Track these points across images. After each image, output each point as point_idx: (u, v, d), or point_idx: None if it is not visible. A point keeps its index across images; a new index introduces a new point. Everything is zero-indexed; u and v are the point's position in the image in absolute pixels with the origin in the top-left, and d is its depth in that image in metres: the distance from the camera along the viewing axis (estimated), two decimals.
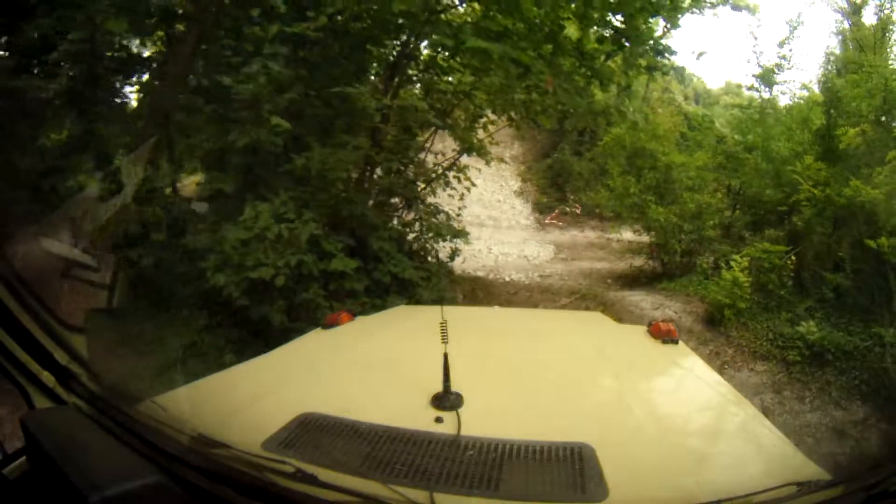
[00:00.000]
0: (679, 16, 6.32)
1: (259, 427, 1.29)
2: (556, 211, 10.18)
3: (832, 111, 6.59)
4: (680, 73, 9.24)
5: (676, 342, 2.14)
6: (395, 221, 5.53)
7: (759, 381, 4.21)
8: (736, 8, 10.48)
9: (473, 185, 6.33)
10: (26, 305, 1.31)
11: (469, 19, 5.74)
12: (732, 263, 5.66)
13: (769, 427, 1.42)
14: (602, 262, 7.93)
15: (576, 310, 5.61)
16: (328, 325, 2.39)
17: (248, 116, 4.67)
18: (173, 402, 1.44)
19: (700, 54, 10.96)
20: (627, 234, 8.12)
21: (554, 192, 10.23)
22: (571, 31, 5.66)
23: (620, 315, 5.18)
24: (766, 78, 8.07)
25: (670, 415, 1.48)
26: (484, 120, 6.48)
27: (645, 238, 7.75)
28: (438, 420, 1.32)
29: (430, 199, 5.90)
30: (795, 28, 7.93)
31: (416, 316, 2.87)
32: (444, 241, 5.55)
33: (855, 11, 8.43)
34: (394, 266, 4.78)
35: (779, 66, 8.06)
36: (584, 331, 2.57)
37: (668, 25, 6.07)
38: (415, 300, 4.77)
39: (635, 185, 7.49)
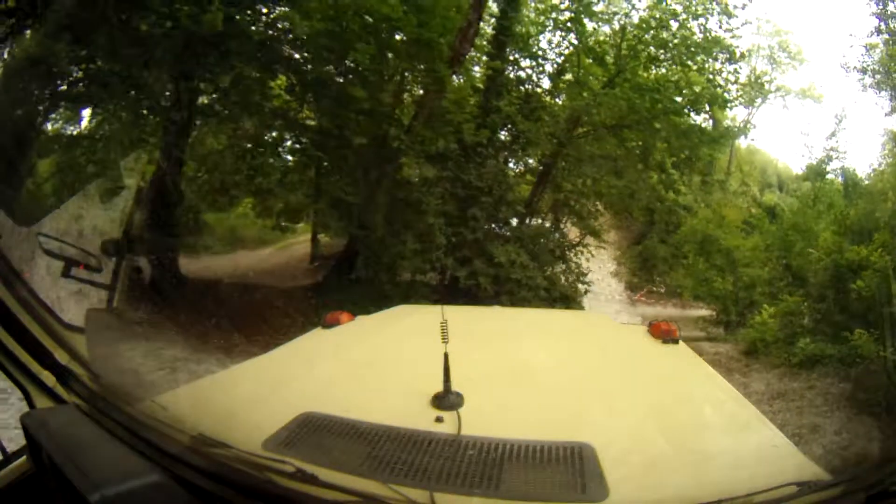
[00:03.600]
0: (727, 143, 10.46)
1: (259, 427, 1.28)
2: (645, 290, 12.02)
3: (850, 193, 8.37)
4: (722, 184, 11.79)
5: (677, 342, 2.13)
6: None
7: (771, 376, 6.53)
8: (802, 97, 12.15)
9: (592, 255, 9.11)
10: (26, 305, 1.30)
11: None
12: (762, 311, 7.76)
13: (769, 427, 1.42)
14: (682, 332, 9.60)
15: None
16: (329, 325, 2.38)
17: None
18: (174, 401, 1.44)
19: (711, 183, 11.95)
20: (702, 311, 10.08)
21: (643, 274, 12.26)
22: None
23: None
24: (818, 169, 9.45)
25: (670, 414, 1.47)
26: (596, 212, 9.29)
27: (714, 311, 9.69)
28: (439, 420, 1.32)
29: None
30: (840, 122, 9.15)
31: (417, 315, 2.86)
32: (580, 283, 8.76)
33: None
34: (561, 288, 8.11)
35: (828, 157, 9.25)
36: (584, 331, 2.56)
37: (716, 152, 9.71)
38: (568, 306, 7.69)
39: (703, 264, 9.61)
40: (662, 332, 2.17)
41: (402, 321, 2.72)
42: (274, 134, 7.97)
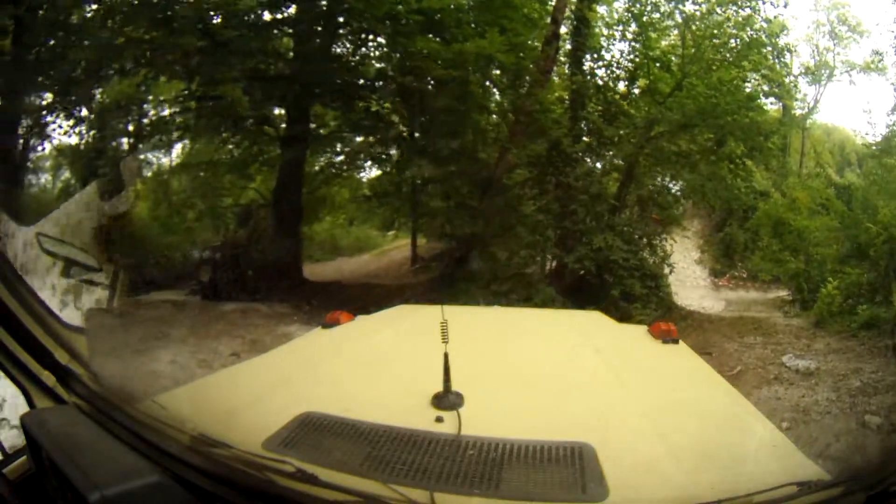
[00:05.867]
0: (793, 130, 11.40)
1: (260, 426, 1.29)
2: (727, 275, 12.77)
3: None
4: (785, 168, 12.26)
5: (677, 341, 2.13)
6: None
7: (832, 340, 7.30)
8: (867, 72, 12.24)
9: (675, 241, 10.10)
10: (26, 305, 1.30)
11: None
12: (827, 284, 8.25)
13: (769, 427, 1.42)
14: (762, 312, 10.51)
15: (724, 326, 8.17)
16: (328, 324, 2.38)
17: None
18: (174, 401, 1.44)
19: (776, 170, 12.39)
20: (782, 293, 10.60)
21: (725, 261, 13.00)
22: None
23: (762, 325, 8.19)
24: (883, 145, 9.56)
25: (670, 414, 1.47)
26: (676, 203, 10.40)
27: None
28: (439, 420, 1.32)
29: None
30: None
31: (417, 315, 2.86)
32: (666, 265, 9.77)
33: None
34: (651, 268, 9.15)
35: (892, 132, 9.31)
36: (584, 330, 2.56)
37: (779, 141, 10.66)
38: (657, 294, 8.91)
39: (777, 245, 10.19)
40: (662, 332, 2.16)
41: (402, 321, 2.72)
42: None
